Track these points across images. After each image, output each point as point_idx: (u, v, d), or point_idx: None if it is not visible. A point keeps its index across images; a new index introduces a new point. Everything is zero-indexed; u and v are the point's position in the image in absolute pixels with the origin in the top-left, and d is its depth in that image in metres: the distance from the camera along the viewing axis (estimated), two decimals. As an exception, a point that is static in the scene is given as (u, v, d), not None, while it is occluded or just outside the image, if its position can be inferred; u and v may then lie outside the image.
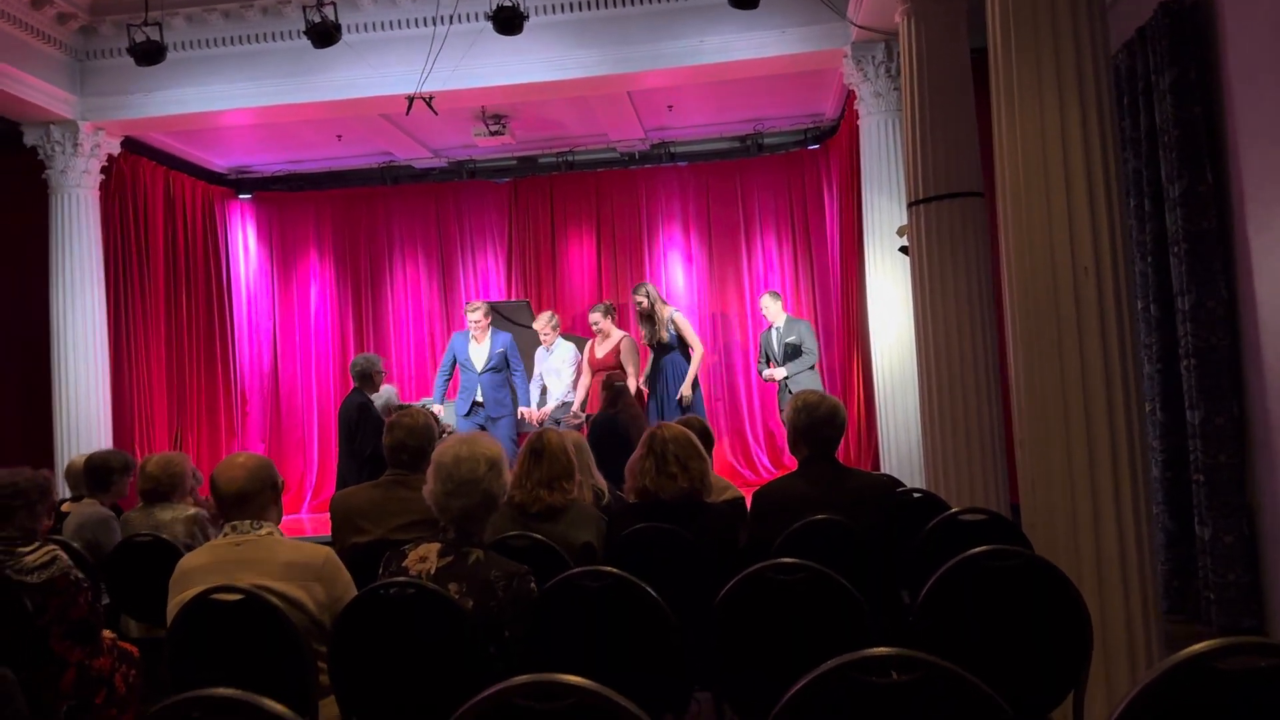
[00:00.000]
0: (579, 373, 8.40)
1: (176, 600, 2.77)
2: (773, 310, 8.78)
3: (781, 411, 8.47)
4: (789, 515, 3.29)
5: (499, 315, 9.13)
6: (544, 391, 8.62)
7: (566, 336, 8.91)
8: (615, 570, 2.63)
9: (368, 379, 7.15)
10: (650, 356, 8.42)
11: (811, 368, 8.51)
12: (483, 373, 8.12)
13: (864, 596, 2.54)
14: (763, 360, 8.79)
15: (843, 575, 2.55)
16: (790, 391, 8.35)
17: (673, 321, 8.20)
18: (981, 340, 5.11)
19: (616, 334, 8.24)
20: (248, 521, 2.84)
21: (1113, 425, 3.45)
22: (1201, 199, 4.94)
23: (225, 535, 2.84)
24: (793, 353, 8.46)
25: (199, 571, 2.79)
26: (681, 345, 8.20)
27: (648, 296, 8.23)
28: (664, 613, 2.56)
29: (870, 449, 8.29)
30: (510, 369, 8.20)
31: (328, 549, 2.87)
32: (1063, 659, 2.53)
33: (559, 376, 8.47)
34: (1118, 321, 3.48)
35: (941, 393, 5.12)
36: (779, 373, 8.49)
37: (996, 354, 5.11)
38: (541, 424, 8.12)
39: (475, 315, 8.23)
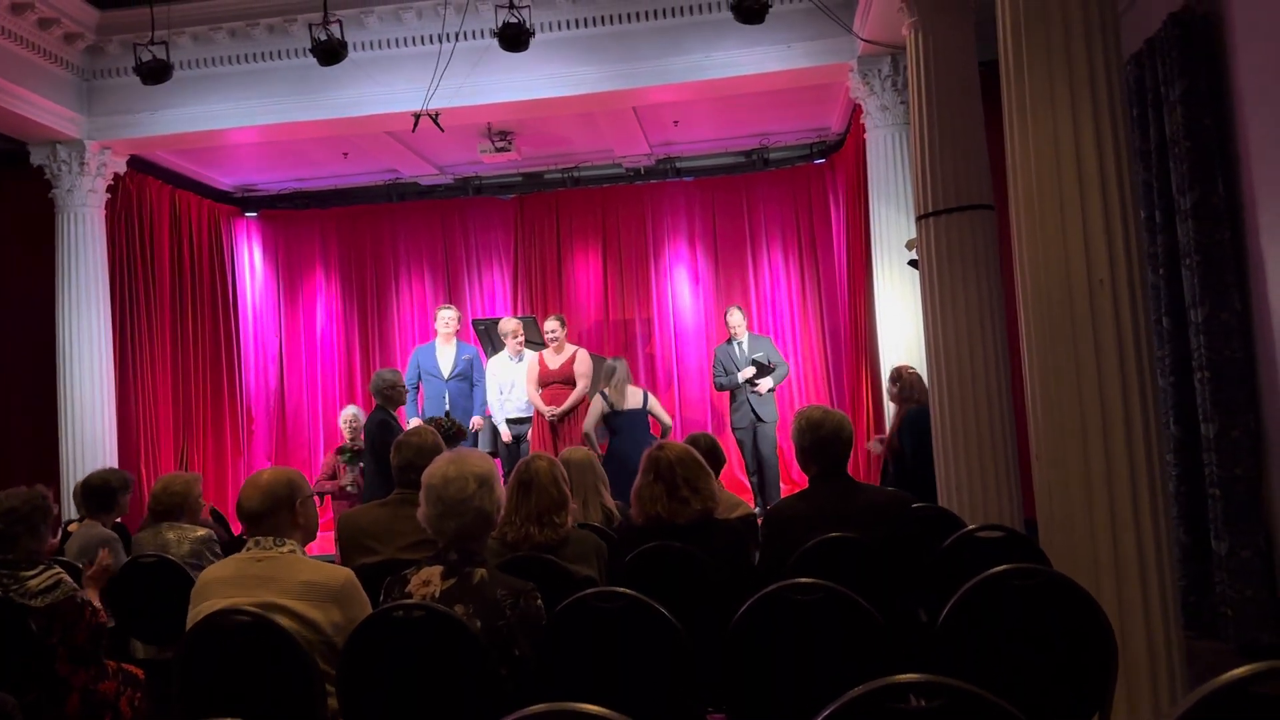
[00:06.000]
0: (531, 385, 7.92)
1: (195, 611, 2.75)
2: (740, 324, 8.83)
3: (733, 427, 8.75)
4: (801, 533, 3.24)
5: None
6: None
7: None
8: (629, 591, 2.58)
9: (387, 397, 7.05)
10: None
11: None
12: (449, 379, 8.14)
13: (880, 615, 2.50)
14: (719, 373, 8.76)
15: (858, 593, 2.51)
16: (752, 404, 8.51)
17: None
18: (993, 354, 5.07)
19: (570, 346, 7.98)
20: (270, 538, 2.81)
21: (1130, 439, 3.40)
22: (1214, 210, 4.90)
23: (248, 550, 2.82)
24: (760, 369, 8.53)
25: (220, 584, 2.78)
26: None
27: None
28: (678, 634, 2.52)
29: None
30: (473, 380, 8.23)
31: (348, 571, 2.84)
32: (1087, 679, 2.48)
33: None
34: (1134, 333, 3.43)
35: (953, 407, 5.08)
36: (765, 383, 8.53)
37: (1008, 368, 5.07)
38: (508, 445, 8.11)
39: (449, 314, 8.37)
